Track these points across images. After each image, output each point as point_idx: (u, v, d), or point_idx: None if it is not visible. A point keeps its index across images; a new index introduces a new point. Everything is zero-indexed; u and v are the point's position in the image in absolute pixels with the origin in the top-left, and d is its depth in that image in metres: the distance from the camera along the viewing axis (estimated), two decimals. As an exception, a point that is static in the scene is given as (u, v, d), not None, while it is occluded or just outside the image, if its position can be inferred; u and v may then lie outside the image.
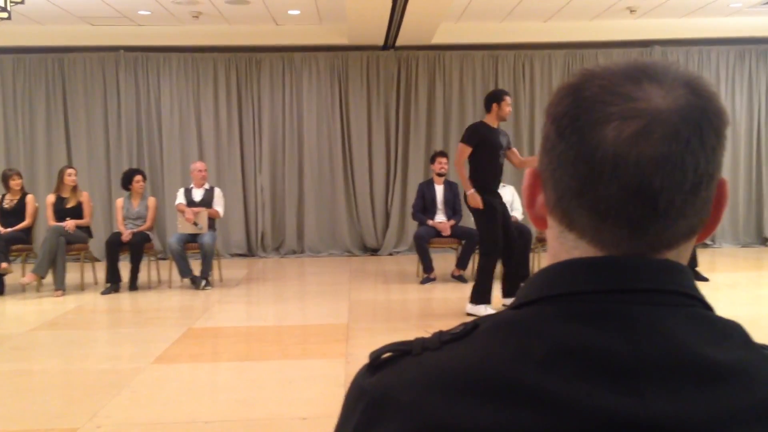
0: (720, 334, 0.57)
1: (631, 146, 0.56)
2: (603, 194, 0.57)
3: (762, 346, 0.59)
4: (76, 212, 7.34)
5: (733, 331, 0.58)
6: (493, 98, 5.70)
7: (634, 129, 0.56)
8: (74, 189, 7.41)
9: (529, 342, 0.56)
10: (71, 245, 7.17)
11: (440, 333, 0.62)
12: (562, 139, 0.60)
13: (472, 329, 0.61)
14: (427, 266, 7.24)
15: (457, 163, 5.79)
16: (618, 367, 0.54)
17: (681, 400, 0.52)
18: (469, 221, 7.76)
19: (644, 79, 0.58)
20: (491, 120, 5.67)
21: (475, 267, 7.47)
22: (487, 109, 5.72)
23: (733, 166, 9.81)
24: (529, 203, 0.66)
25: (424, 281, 7.21)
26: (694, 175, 0.57)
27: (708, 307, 0.60)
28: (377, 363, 0.62)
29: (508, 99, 5.67)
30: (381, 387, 0.60)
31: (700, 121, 0.57)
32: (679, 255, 0.61)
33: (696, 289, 0.60)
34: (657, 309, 0.57)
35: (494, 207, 5.54)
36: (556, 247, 0.64)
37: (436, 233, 7.36)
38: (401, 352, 0.62)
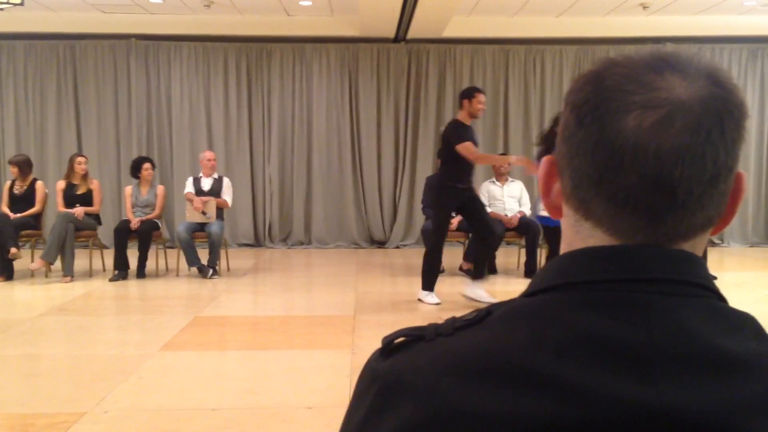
0: (733, 325, 0.57)
1: (652, 136, 0.56)
2: (622, 183, 0.57)
3: None
4: (86, 199, 7.37)
5: (746, 323, 0.58)
6: (465, 95, 5.76)
7: (655, 118, 0.56)
8: (84, 176, 7.44)
9: (543, 329, 0.56)
10: (80, 232, 7.21)
11: (453, 319, 0.63)
12: (582, 127, 0.59)
13: (485, 316, 0.61)
14: (435, 259, 7.22)
15: (476, 159, 5.86)
16: (633, 356, 0.54)
17: (694, 389, 0.52)
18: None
19: (666, 69, 0.58)
20: (464, 117, 5.71)
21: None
22: (460, 105, 5.79)
23: (743, 165, 9.61)
24: (545, 192, 0.66)
25: (430, 274, 7.19)
26: (714, 166, 0.57)
27: (722, 299, 0.60)
28: (390, 348, 0.63)
29: (480, 97, 5.74)
30: (395, 371, 0.60)
31: (721, 113, 0.57)
32: (695, 246, 0.61)
33: (710, 281, 0.60)
34: (672, 299, 0.57)
35: (450, 208, 5.90)
36: (570, 236, 0.64)
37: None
38: (414, 337, 0.62)
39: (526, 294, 0.62)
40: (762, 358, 0.55)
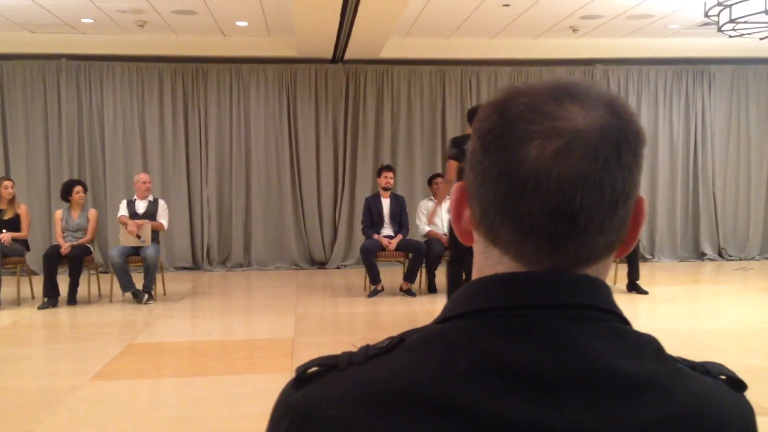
0: (635, 347, 0.59)
1: (553, 164, 0.57)
2: (525, 211, 0.58)
3: (674, 359, 0.61)
4: (13, 224, 7.11)
5: (647, 345, 0.60)
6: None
7: (555, 147, 0.57)
8: (11, 201, 7.19)
9: (452, 356, 0.57)
10: (7, 258, 6.94)
11: (367, 347, 0.62)
12: (487, 155, 0.60)
13: (398, 343, 0.61)
14: (374, 278, 7.24)
15: (449, 182, 5.96)
16: (538, 381, 0.55)
17: (597, 412, 0.54)
18: (416, 235, 7.81)
19: (566, 98, 0.59)
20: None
21: (424, 280, 7.54)
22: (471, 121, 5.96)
23: (670, 182, 10.14)
24: (456, 218, 0.66)
25: (371, 294, 7.20)
26: (612, 193, 0.58)
27: (625, 321, 0.61)
28: (303, 378, 0.62)
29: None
30: (306, 402, 0.60)
31: (618, 141, 0.58)
32: (599, 270, 0.62)
33: (613, 304, 0.61)
34: (576, 324, 0.58)
35: None
36: (481, 262, 0.64)
37: (383, 246, 7.37)
38: (327, 366, 0.62)
39: (438, 320, 0.63)
40: (661, 379, 0.57)
